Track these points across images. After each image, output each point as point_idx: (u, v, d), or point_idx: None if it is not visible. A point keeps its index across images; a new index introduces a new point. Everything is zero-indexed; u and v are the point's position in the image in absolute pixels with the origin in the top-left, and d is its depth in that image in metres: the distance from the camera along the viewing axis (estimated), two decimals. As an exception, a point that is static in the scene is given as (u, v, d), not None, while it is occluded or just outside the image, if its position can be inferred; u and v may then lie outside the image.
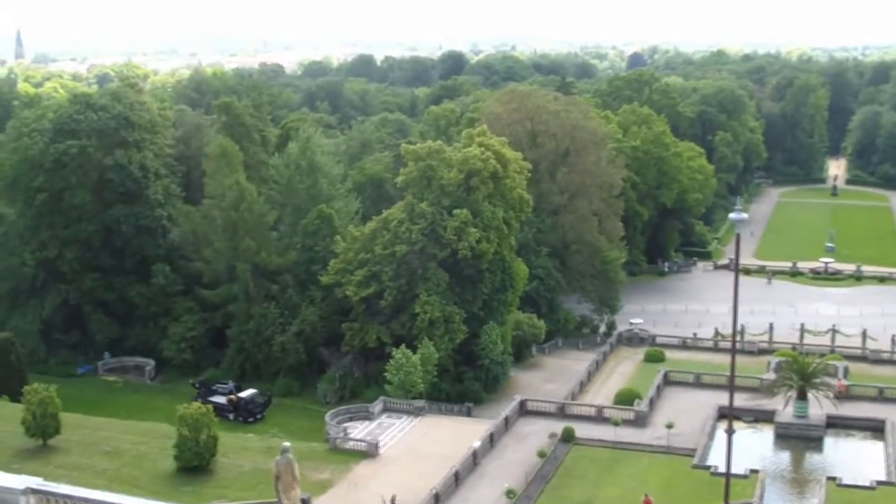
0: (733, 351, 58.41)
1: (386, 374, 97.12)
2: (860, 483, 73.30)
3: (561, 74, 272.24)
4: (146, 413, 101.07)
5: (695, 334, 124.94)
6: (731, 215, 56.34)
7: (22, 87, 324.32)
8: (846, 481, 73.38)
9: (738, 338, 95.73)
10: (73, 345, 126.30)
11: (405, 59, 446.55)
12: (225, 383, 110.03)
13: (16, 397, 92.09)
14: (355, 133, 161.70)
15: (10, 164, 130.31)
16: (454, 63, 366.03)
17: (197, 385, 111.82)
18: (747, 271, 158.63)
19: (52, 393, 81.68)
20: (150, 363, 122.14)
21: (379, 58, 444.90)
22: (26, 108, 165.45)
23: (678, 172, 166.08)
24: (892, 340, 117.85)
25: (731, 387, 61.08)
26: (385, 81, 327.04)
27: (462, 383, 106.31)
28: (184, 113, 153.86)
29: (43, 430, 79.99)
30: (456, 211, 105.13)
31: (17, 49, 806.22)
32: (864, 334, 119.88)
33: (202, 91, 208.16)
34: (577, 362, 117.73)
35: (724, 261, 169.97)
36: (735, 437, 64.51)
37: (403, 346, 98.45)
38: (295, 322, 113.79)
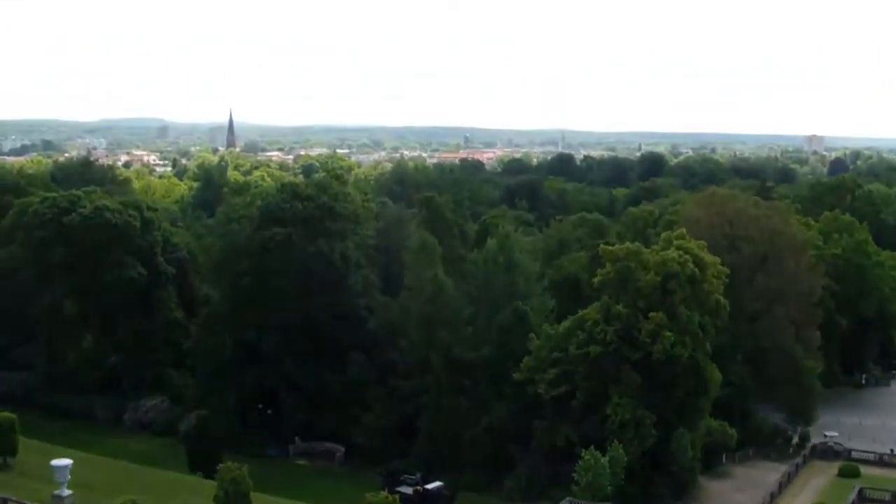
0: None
1: (574, 474, 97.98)
2: None
3: (761, 178, 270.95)
4: (333, 499, 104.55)
5: (892, 450, 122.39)
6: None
7: (232, 174, 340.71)
8: None
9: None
10: (267, 426, 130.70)
11: (604, 158, 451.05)
12: (412, 474, 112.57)
13: (210, 474, 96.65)
14: (553, 231, 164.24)
15: (219, 248, 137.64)
16: (653, 164, 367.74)
17: (384, 474, 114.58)
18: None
19: (245, 472, 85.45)
20: (340, 449, 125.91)
21: (578, 157, 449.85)
22: (236, 195, 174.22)
23: (880, 282, 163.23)
24: None
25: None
26: (584, 181, 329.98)
27: (650, 489, 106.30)
28: (386, 205, 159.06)
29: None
30: (652, 314, 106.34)
31: (228, 138, 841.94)
32: None
33: (404, 184, 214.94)
34: (768, 473, 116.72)
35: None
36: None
37: (592, 447, 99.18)
38: (485, 417, 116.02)
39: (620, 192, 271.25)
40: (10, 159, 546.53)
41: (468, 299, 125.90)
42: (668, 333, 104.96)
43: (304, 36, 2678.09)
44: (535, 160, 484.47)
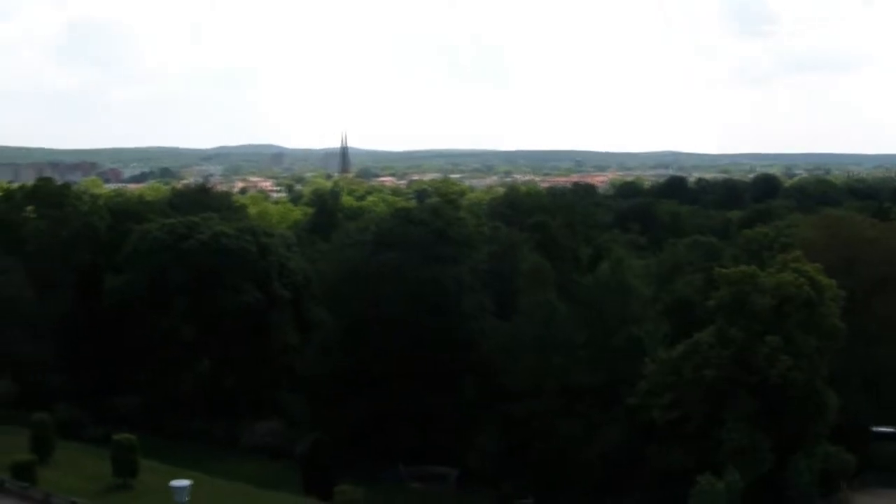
0: None
1: (688, 500, 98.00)
2: None
3: (878, 199, 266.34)
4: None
5: None
6: None
7: (346, 199, 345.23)
8: None
9: None
10: (380, 449, 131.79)
11: (717, 181, 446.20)
12: (525, 498, 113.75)
13: (324, 497, 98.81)
14: (666, 255, 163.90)
15: (333, 273, 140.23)
16: (767, 186, 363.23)
17: (497, 498, 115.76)
18: None
19: (360, 496, 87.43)
20: (453, 472, 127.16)
21: (691, 180, 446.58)
22: (350, 220, 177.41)
23: None
24: None
25: None
26: (697, 203, 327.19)
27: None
28: (498, 229, 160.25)
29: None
30: (767, 337, 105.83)
31: (342, 164, 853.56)
32: None
33: (516, 208, 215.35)
34: (889, 500, 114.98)
35: None
36: None
37: (707, 472, 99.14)
38: (597, 442, 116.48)
39: (734, 214, 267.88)
40: (131, 186, 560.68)
41: (581, 323, 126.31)
42: (785, 357, 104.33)
43: (415, 64, 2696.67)
44: (647, 183, 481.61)
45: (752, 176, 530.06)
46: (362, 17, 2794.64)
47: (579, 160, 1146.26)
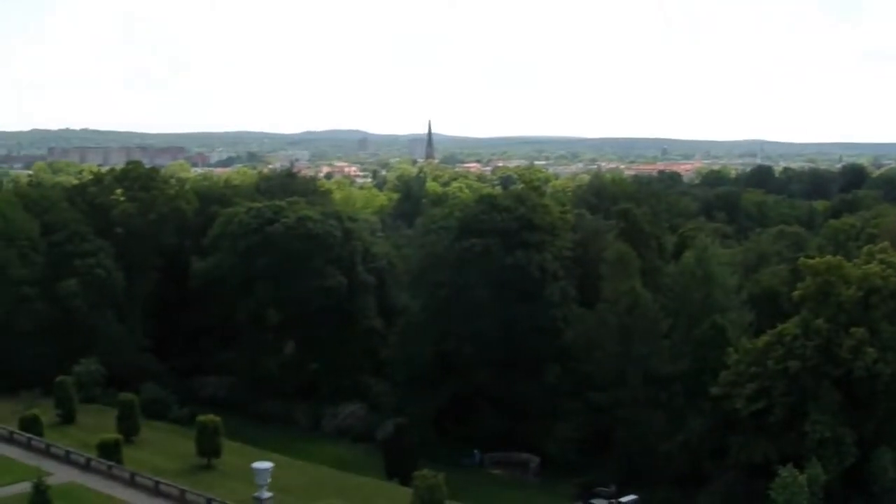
0: None
1: (770, 492, 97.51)
2: None
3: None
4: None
5: None
6: None
7: (431, 185, 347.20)
8: None
9: None
10: (462, 435, 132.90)
11: (804, 170, 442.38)
12: (607, 487, 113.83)
13: (406, 481, 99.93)
14: (752, 244, 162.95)
15: (417, 259, 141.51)
16: (854, 176, 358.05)
17: (579, 486, 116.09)
18: None
19: (441, 481, 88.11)
20: (534, 460, 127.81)
21: (778, 169, 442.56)
22: (434, 206, 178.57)
23: None
24: None
25: None
26: (783, 193, 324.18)
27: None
28: (583, 217, 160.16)
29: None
30: (853, 329, 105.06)
31: (427, 150, 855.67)
32: None
33: (601, 196, 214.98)
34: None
35: None
36: None
37: (790, 464, 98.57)
38: (681, 432, 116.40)
39: (821, 204, 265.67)
40: (218, 171, 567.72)
41: (665, 312, 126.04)
42: (870, 349, 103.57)
43: (501, 50, 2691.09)
44: (733, 172, 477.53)
45: (839, 165, 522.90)
46: (449, 4, 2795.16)
47: (665, 148, 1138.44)
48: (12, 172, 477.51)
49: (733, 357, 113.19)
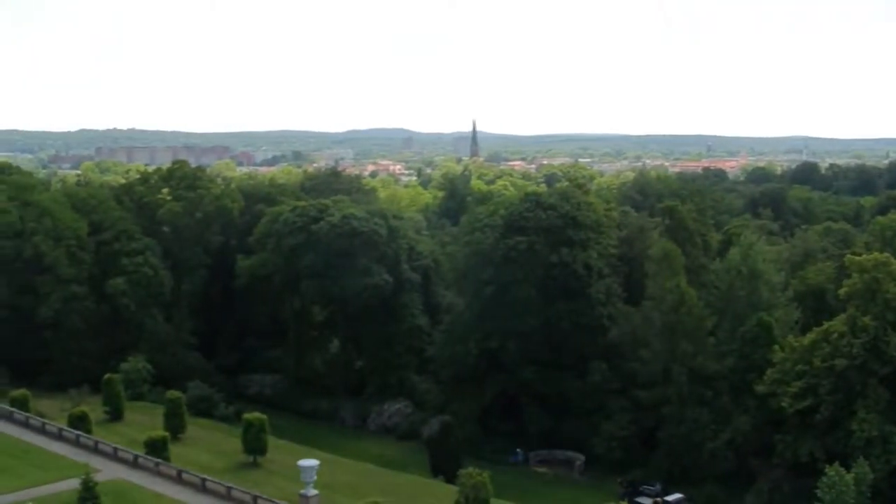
0: None
1: (817, 491, 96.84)
2: None
3: None
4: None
5: None
6: None
7: (475, 183, 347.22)
8: None
9: None
10: (507, 433, 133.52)
11: (850, 167, 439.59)
12: (652, 485, 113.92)
13: (451, 479, 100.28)
14: (798, 241, 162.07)
15: (462, 257, 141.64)
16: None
17: (624, 484, 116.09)
18: None
19: (486, 479, 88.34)
20: (580, 458, 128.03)
21: (824, 166, 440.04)
22: (479, 204, 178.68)
23: None
24: None
25: None
26: (829, 189, 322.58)
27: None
28: (628, 214, 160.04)
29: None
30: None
31: (472, 148, 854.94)
32: None
33: (646, 193, 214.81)
34: None
35: None
36: None
37: (837, 463, 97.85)
38: (727, 429, 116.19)
39: (868, 200, 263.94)
40: (263, 170, 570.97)
41: (711, 309, 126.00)
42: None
43: (547, 48, 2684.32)
44: (778, 169, 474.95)
45: (886, 162, 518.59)
46: (496, 3, 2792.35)
47: (710, 145, 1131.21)
48: (60, 172, 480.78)
49: (779, 355, 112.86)
